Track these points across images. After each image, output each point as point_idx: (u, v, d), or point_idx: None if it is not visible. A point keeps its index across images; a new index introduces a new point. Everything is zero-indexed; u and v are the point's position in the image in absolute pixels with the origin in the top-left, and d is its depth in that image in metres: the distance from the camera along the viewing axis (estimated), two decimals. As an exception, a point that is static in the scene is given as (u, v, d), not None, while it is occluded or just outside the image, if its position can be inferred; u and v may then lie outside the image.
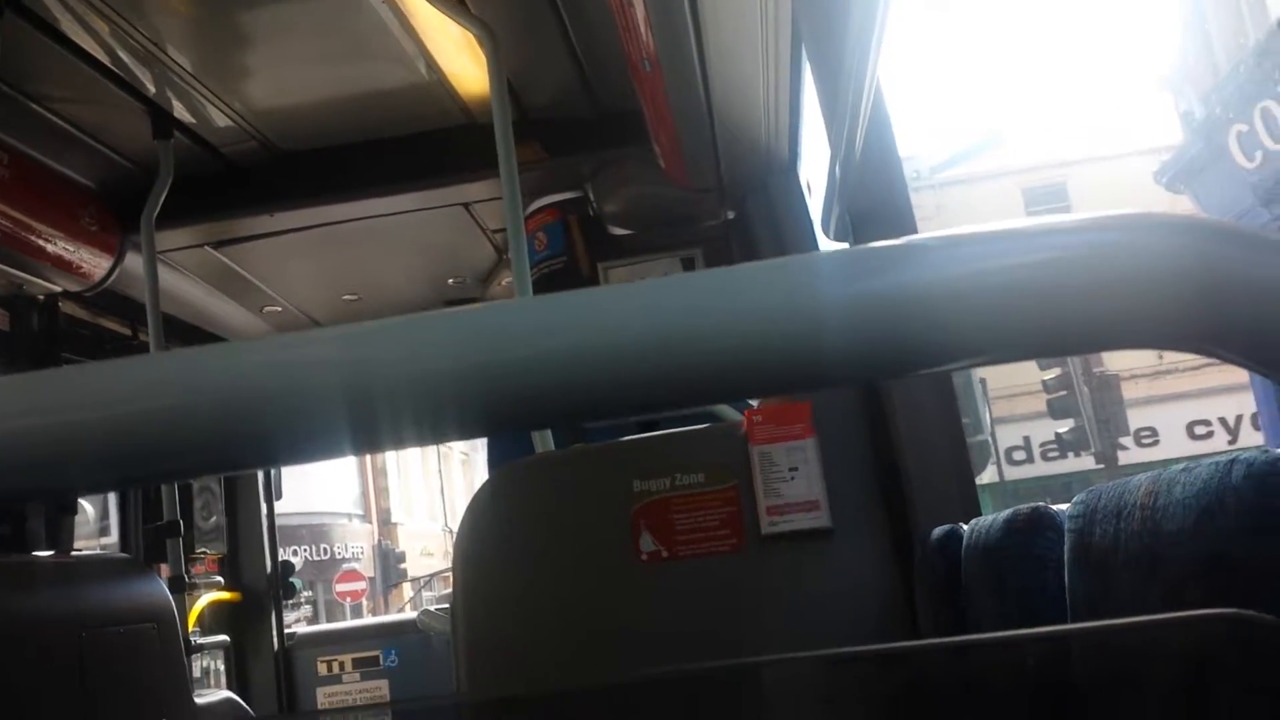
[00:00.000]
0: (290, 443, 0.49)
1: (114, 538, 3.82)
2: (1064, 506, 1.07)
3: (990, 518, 1.28)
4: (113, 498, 4.00)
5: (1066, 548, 0.96)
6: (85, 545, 4.05)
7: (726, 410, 2.88)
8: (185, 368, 0.50)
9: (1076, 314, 0.42)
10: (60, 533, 2.99)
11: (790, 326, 0.44)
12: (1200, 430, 19.64)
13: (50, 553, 2.91)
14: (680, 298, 0.46)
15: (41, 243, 2.84)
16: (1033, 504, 1.17)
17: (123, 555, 3.58)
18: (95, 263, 3.06)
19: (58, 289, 3.09)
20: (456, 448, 28.52)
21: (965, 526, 1.49)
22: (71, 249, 2.95)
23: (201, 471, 0.56)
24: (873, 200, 1.98)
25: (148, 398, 0.48)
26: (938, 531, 1.64)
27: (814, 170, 2.80)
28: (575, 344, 0.46)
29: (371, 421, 0.48)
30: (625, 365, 0.46)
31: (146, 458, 0.49)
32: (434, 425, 0.49)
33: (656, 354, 0.45)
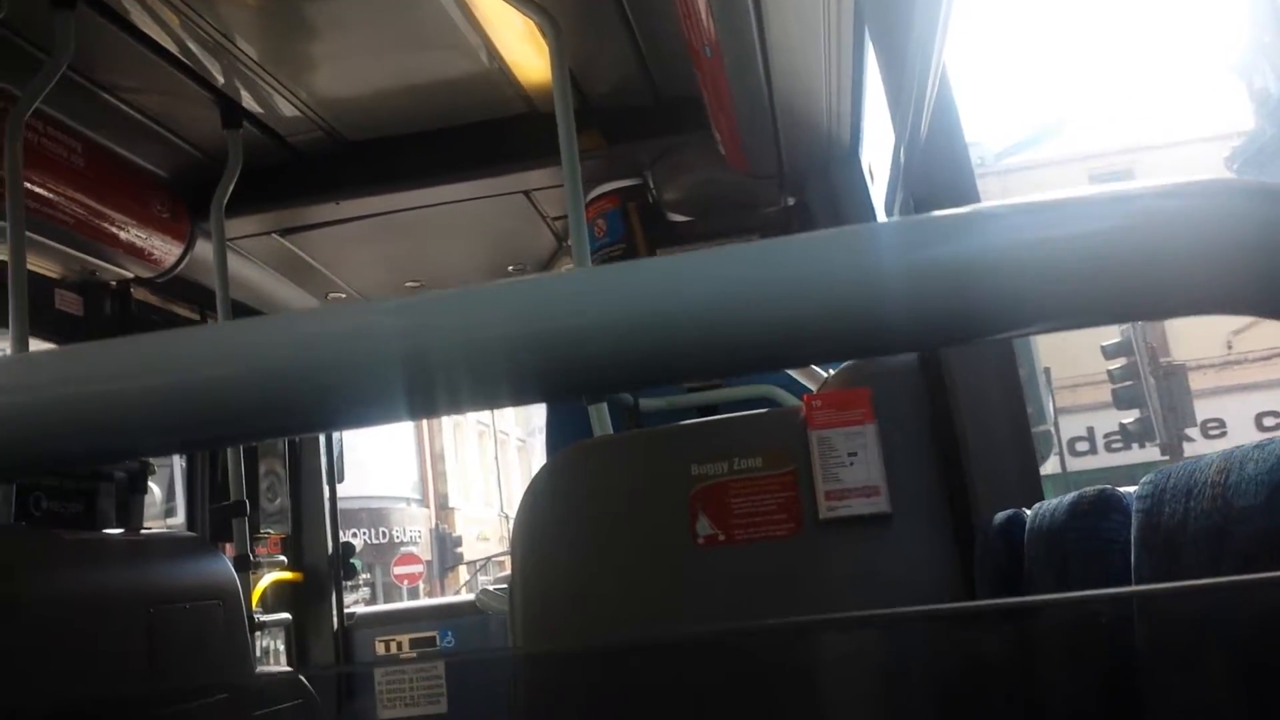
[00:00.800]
0: (351, 407, 0.51)
1: (180, 518, 3.90)
2: (1131, 489, 1.06)
3: (1054, 501, 1.26)
4: (179, 478, 4.08)
5: (1134, 529, 0.95)
6: (154, 524, 4.14)
7: (785, 395, 2.87)
8: (250, 336, 0.52)
9: (1143, 280, 0.42)
10: (130, 511, 3.06)
11: (853, 292, 0.44)
12: (1270, 422, 19.15)
13: (121, 530, 2.99)
14: (741, 267, 0.46)
15: (115, 230, 2.91)
16: (1099, 486, 1.15)
17: (190, 534, 3.66)
18: (166, 249, 3.13)
19: (130, 275, 3.17)
20: (513, 434, 28.73)
21: (1028, 511, 1.47)
22: (143, 236, 3.02)
23: (264, 435, 0.58)
24: (938, 185, 1.95)
25: (215, 365, 0.50)
26: (1000, 516, 1.63)
27: (876, 155, 2.78)
28: (633, 312, 0.47)
29: (429, 387, 0.49)
30: (683, 334, 0.46)
31: (213, 422, 0.51)
32: (489, 392, 0.50)
33: (716, 322, 0.46)
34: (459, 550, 23.59)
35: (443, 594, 20.90)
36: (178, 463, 4.05)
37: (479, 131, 3.04)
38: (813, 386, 2.68)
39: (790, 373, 2.90)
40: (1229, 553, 0.72)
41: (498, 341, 0.47)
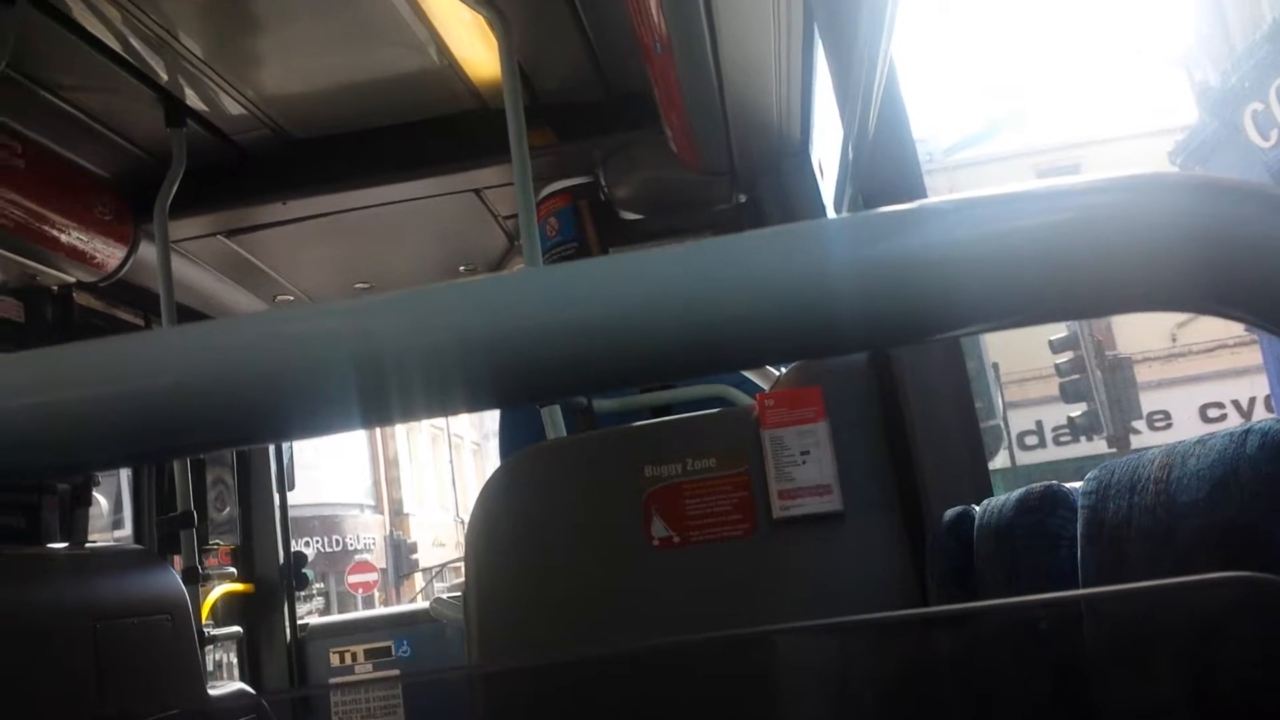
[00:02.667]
0: (301, 416, 0.49)
1: (128, 530, 3.83)
2: (1077, 484, 1.07)
3: (1002, 498, 1.27)
4: (126, 490, 4.01)
5: (1079, 524, 0.96)
6: (99, 538, 4.06)
7: (738, 395, 2.87)
8: (197, 341, 0.50)
9: (1089, 276, 0.41)
10: (75, 525, 3.00)
11: (801, 292, 0.43)
12: (1214, 413, 19.54)
13: (65, 545, 2.93)
14: (693, 265, 0.46)
15: (55, 233, 2.84)
16: (1045, 482, 1.16)
17: (136, 547, 3.60)
18: (109, 252, 3.07)
19: (72, 279, 3.10)
20: (468, 437, 28.59)
21: (977, 508, 1.48)
22: (85, 239, 2.95)
23: (214, 446, 0.55)
24: (886, 180, 1.97)
25: (160, 372, 0.48)
26: (950, 513, 1.64)
27: (826, 151, 2.79)
28: (584, 313, 0.46)
29: (383, 393, 0.47)
30: (635, 334, 0.45)
31: (159, 433, 0.49)
32: (444, 398, 0.49)
33: (671, 322, 0.45)
34: (414, 557, 23.44)
35: (398, 602, 20.74)
36: (124, 473, 3.97)
37: (428, 129, 3.01)
38: (765, 385, 2.68)
39: (743, 371, 2.90)
40: (1172, 549, 0.73)
41: (455, 344, 0.46)
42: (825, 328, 0.44)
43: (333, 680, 4.16)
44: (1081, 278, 0.41)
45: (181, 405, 0.47)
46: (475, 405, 0.50)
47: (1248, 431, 0.69)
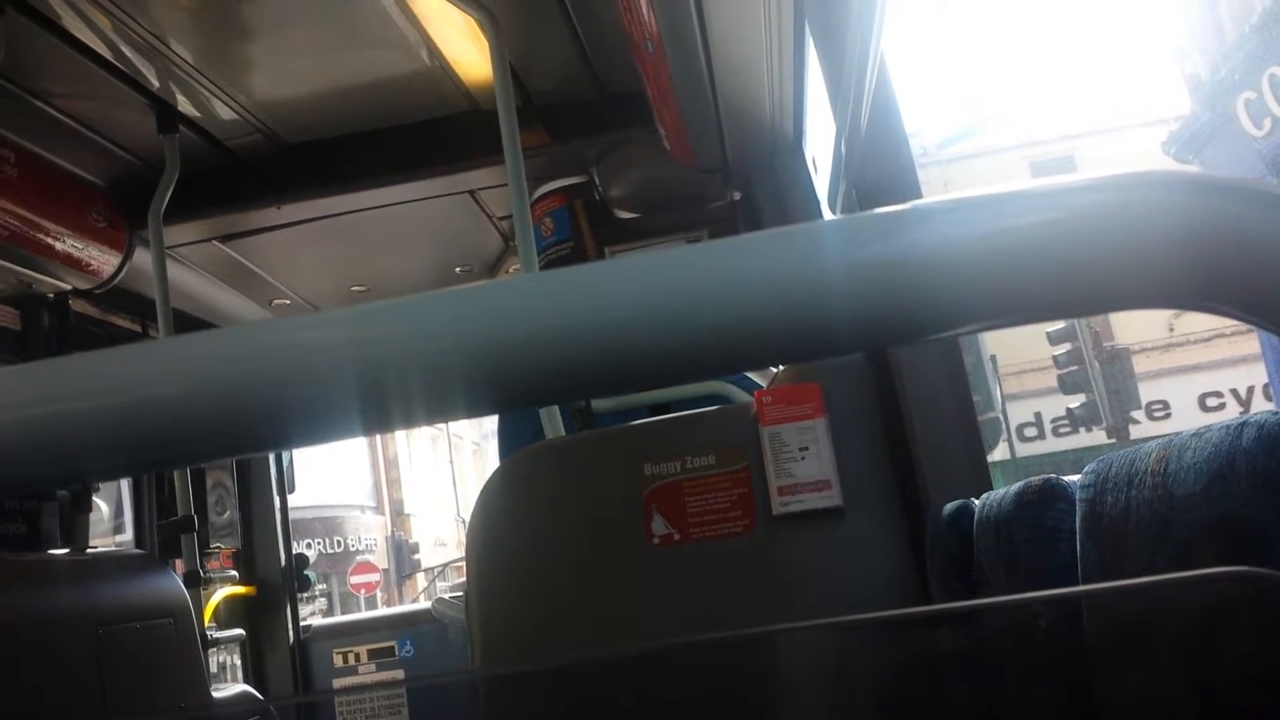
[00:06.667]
0: (301, 424, 0.49)
1: (129, 535, 3.84)
2: (1075, 477, 1.07)
3: (1001, 491, 1.27)
4: (126, 495, 4.01)
5: (1078, 517, 0.96)
6: (100, 543, 4.06)
7: (736, 392, 2.88)
8: (196, 352, 0.50)
9: (1082, 275, 0.42)
10: (75, 530, 3.00)
11: (797, 294, 0.44)
12: (1212, 402, 19.55)
13: (66, 550, 2.93)
14: (689, 269, 0.46)
15: (50, 241, 2.84)
16: (1044, 475, 1.17)
17: (138, 551, 3.60)
18: (104, 259, 3.07)
19: (67, 287, 3.10)
20: (468, 437, 28.57)
21: (976, 502, 1.49)
22: (80, 246, 2.96)
23: (215, 455, 0.56)
24: (879, 175, 1.97)
25: (160, 383, 0.48)
26: (949, 507, 1.64)
27: (820, 147, 2.79)
28: (583, 319, 0.46)
29: (383, 400, 0.47)
30: (634, 339, 0.45)
31: (160, 443, 0.49)
32: (444, 404, 0.49)
33: (667, 327, 0.45)
34: (416, 557, 23.42)
35: (401, 602, 20.74)
36: (124, 479, 3.97)
37: (421, 131, 3.01)
38: (763, 382, 2.69)
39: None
40: (1170, 542, 0.73)
41: (454, 351, 0.46)
42: (823, 330, 0.45)
43: (336, 684, 4.16)
44: (1076, 276, 0.42)
45: (182, 415, 0.47)
46: (475, 411, 0.50)
47: (1243, 424, 0.69)
